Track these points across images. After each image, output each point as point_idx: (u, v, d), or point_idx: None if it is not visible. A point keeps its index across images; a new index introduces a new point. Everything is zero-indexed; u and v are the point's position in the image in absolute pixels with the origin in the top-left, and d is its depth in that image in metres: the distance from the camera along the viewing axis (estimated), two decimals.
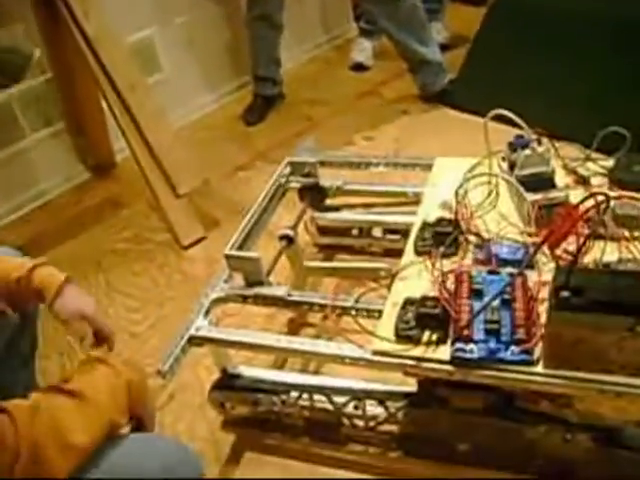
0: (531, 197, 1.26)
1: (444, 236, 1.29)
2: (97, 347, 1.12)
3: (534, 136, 1.33)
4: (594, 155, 1.36)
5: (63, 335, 1.70)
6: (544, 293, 1.11)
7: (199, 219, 2.17)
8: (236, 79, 3.04)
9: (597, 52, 2.22)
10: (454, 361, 1.09)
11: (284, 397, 1.41)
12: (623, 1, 2.31)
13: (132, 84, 2.00)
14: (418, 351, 1.12)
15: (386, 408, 1.35)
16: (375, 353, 1.16)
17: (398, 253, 1.35)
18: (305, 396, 1.39)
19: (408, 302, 1.19)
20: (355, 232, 1.90)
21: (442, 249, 1.26)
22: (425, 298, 1.17)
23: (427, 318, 1.14)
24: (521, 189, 1.28)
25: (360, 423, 1.40)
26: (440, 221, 1.34)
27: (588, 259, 1.15)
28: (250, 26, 2.70)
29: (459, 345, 1.09)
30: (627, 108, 1.83)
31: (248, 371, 1.47)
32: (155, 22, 2.69)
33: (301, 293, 1.41)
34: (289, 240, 1.59)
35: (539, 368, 1.05)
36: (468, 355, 1.08)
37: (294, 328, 1.73)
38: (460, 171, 1.45)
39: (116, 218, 2.34)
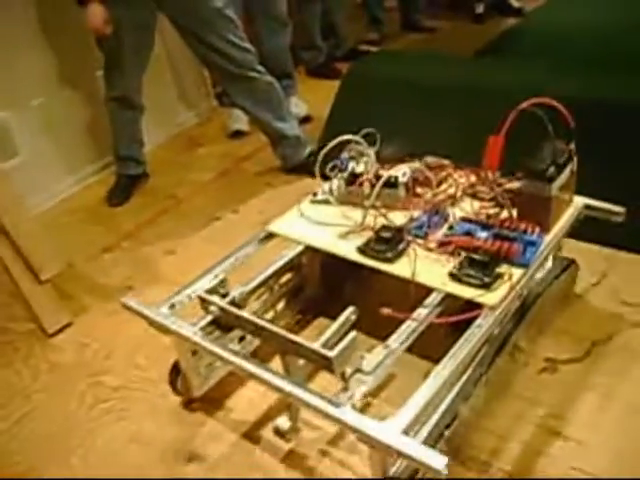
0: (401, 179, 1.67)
1: (390, 239, 1.55)
2: None
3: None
4: None
5: None
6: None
7: (65, 304, 2.11)
8: (98, 160, 3.01)
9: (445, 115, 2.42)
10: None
11: None
12: (470, 73, 2.53)
13: None
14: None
15: None
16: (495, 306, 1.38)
17: None
18: None
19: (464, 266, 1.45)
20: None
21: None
22: (470, 254, 1.45)
23: (482, 264, 1.43)
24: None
25: None
26: (378, 231, 1.57)
27: None
28: (109, 107, 2.69)
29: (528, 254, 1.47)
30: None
31: None
32: (9, 105, 2.64)
33: None
34: None
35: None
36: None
37: None
38: (294, 216, 1.75)
39: None
